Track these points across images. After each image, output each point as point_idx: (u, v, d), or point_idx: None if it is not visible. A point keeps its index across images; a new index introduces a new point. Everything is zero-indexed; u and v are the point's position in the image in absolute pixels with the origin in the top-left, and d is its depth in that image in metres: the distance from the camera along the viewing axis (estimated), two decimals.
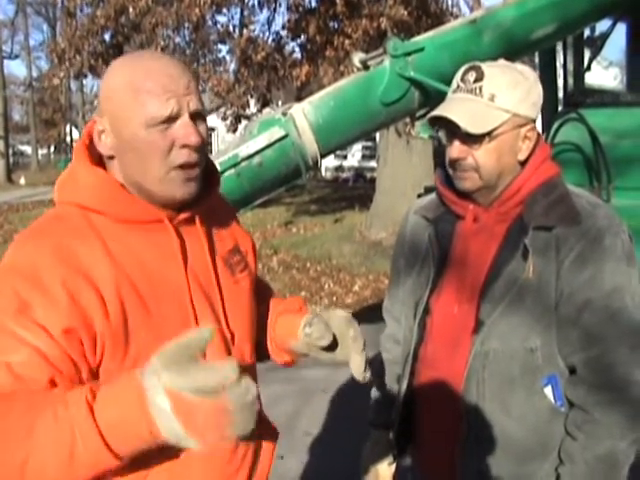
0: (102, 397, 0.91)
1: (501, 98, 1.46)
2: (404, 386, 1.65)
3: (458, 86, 1.52)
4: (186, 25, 11.05)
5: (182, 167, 1.17)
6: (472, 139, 1.47)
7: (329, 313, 1.36)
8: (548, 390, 1.47)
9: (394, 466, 1.77)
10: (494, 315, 1.47)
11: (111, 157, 1.21)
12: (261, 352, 1.49)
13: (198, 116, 1.19)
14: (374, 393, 1.85)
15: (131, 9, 10.39)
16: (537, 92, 1.51)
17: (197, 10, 10.03)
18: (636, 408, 1.43)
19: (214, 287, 1.28)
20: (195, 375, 0.84)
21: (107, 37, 11.36)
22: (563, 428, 1.49)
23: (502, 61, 1.57)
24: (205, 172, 1.25)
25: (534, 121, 1.53)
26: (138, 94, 1.14)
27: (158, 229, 1.21)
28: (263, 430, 1.37)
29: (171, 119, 1.15)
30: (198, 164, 1.19)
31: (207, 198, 1.29)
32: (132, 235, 1.19)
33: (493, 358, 1.47)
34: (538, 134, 1.55)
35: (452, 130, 1.49)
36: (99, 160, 1.23)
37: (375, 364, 1.83)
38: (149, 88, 1.14)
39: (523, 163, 1.53)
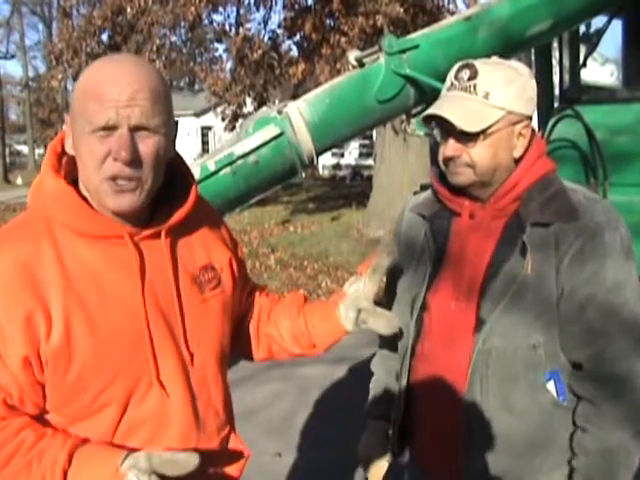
0: (78, 464, 1.09)
1: (495, 96, 1.45)
2: (403, 383, 1.64)
3: (452, 84, 1.51)
4: (182, 24, 11.04)
5: (113, 179, 1.14)
6: (467, 137, 1.46)
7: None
8: (550, 385, 1.47)
9: (389, 457, 1.77)
10: (495, 313, 1.46)
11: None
12: (280, 350, 1.54)
13: (144, 130, 1.15)
14: (372, 385, 1.85)
15: (128, 9, 10.38)
16: (531, 88, 1.50)
17: (193, 9, 10.05)
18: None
19: (174, 306, 1.24)
20: None
21: (104, 37, 11.35)
22: (565, 422, 1.49)
23: (495, 58, 1.56)
24: (172, 186, 1.26)
25: (530, 118, 1.52)
26: (85, 98, 1.14)
27: (119, 244, 1.20)
28: (229, 454, 1.35)
29: (108, 128, 1.12)
30: (133, 178, 1.15)
31: (176, 213, 1.26)
32: (92, 250, 1.18)
33: (496, 356, 1.47)
34: (533, 130, 1.55)
35: (447, 128, 1.48)
36: (73, 166, 1.21)
37: (373, 358, 1.84)
38: (95, 93, 1.13)
39: (518, 160, 1.52)
